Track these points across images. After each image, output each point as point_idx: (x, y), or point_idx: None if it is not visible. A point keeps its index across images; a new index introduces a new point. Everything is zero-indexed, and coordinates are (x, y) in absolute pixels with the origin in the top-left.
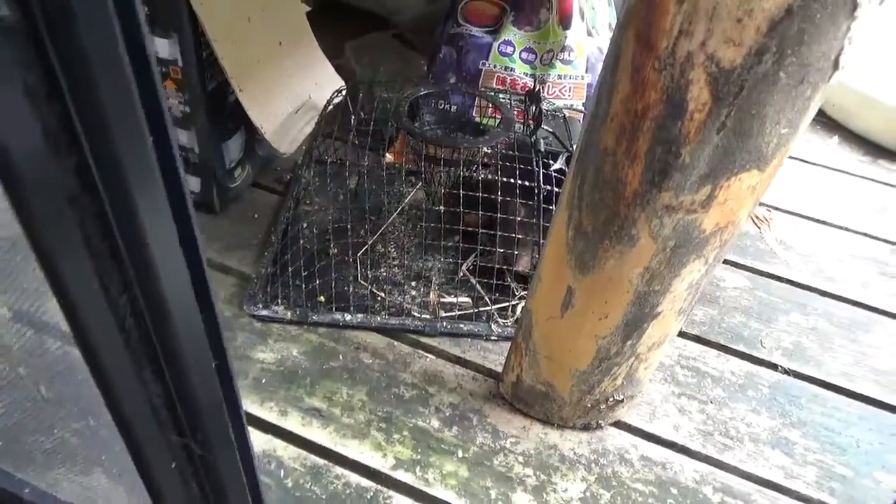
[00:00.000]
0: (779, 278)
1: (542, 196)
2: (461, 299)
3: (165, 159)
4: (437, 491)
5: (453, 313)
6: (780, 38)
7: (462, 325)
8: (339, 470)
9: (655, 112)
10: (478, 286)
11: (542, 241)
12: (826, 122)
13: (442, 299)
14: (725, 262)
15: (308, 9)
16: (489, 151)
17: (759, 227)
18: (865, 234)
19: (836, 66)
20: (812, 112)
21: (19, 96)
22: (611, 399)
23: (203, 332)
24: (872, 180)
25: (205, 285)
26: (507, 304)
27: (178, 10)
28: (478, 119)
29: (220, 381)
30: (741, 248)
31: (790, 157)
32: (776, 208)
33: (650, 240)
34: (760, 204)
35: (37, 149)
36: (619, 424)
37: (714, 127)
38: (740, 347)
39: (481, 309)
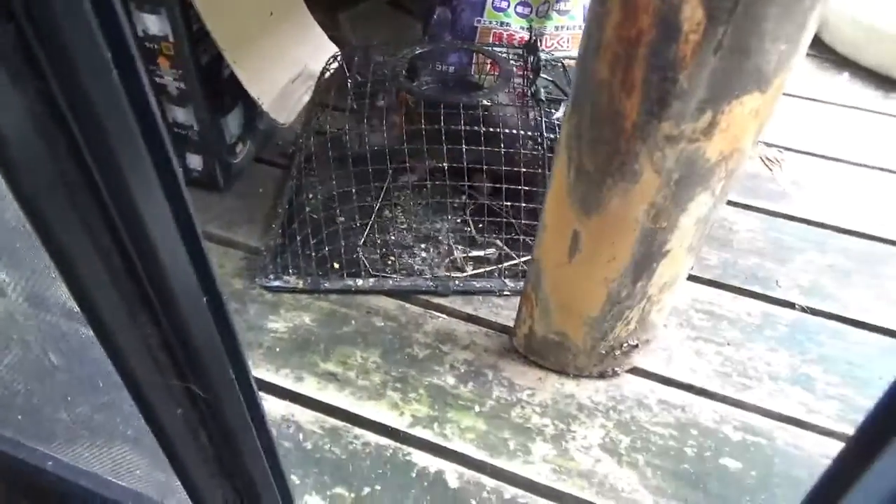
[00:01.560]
0: (793, 218)
1: (546, 145)
2: (487, 251)
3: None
4: (455, 445)
5: (483, 268)
6: None
7: (475, 283)
8: (357, 430)
9: (649, 37)
10: (498, 241)
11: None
12: (835, 58)
13: (466, 254)
14: (738, 204)
15: None
16: (489, 104)
17: (770, 169)
18: (881, 169)
19: None
20: (812, 26)
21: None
22: (625, 345)
23: (190, 267)
24: (885, 114)
25: (190, 224)
26: (526, 257)
27: None
28: (477, 76)
29: (213, 319)
30: (753, 190)
31: (800, 97)
32: (788, 149)
33: (654, 174)
34: (771, 145)
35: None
36: (635, 371)
37: (710, 47)
38: (756, 288)
39: (509, 264)
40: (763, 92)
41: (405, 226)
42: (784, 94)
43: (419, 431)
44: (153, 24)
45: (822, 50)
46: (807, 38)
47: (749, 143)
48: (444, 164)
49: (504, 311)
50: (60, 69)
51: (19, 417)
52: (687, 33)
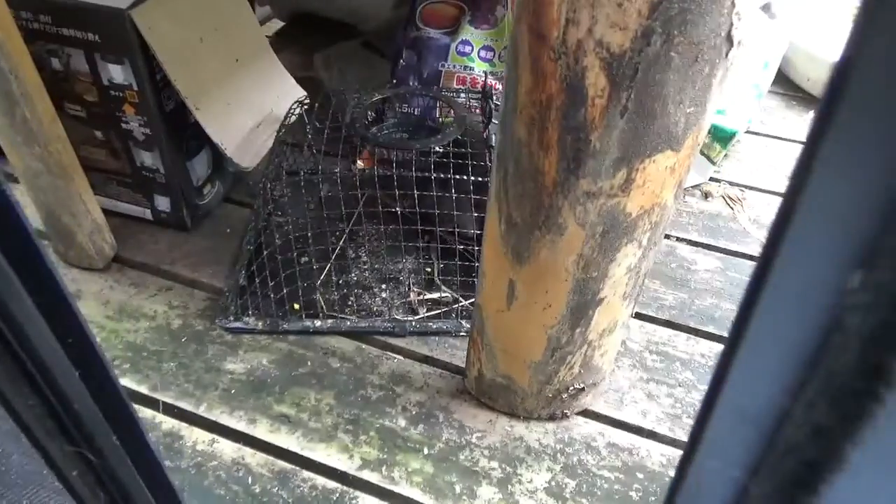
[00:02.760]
0: (752, 258)
1: None
2: (443, 294)
3: None
4: (402, 489)
5: (438, 310)
6: (664, 20)
7: (431, 324)
8: (305, 474)
9: (559, 101)
10: (443, 286)
11: None
12: (803, 96)
13: (422, 297)
14: (698, 244)
15: (279, 24)
16: (441, 150)
17: (732, 208)
18: None
19: (730, 41)
20: (719, 88)
21: None
22: (571, 388)
23: (58, 345)
24: None
25: (60, 302)
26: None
27: (126, 37)
28: (440, 119)
29: (89, 390)
30: (713, 230)
31: (766, 135)
32: (750, 188)
33: (578, 227)
34: (734, 184)
35: None
36: (586, 413)
37: (617, 111)
38: (710, 329)
39: (463, 303)
40: (676, 151)
41: (367, 266)
42: (749, 132)
43: (367, 475)
44: (118, 73)
45: (790, 88)
46: (715, 97)
47: (670, 196)
48: (398, 209)
49: (459, 353)
50: None
51: None
52: (593, 98)
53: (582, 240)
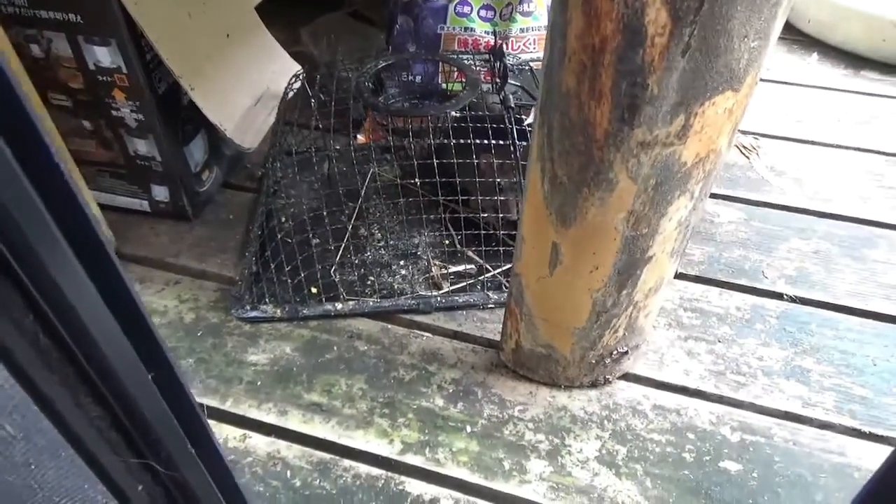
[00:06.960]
0: (774, 206)
1: (518, 153)
2: (466, 266)
3: None
4: (449, 470)
5: (462, 283)
6: None
7: (457, 298)
8: (346, 462)
9: (614, 43)
10: (471, 254)
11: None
12: (803, 39)
13: (444, 270)
14: (718, 196)
15: None
16: (458, 115)
17: (747, 157)
18: (857, 149)
19: None
20: (782, 18)
21: None
22: (615, 352)
23: (126, 344)
24: (856, 93)
25: (126, 301)
26: (504, 267)
27: (111, 15)
28: (444, 85)
29: (162, 394)
30: (732, 181)
31: (771, 81)
32: (763, 135)
33: (629, 181)
34: (746, 132)
35: None
36: (627, 377)
37: (678, 50)
38: (742, 281)
39: (491, 273)
40: (736, 91)
41: (382, 243)
42: None
43: (410, 458)
44: (104, 56)
45: (791, 31)
46: (777, 30)
47: (725, 143)
48: (416, 180)
49: (489, 325)
50: None
51: None
52: (652, 37)
53: (633, 194)
